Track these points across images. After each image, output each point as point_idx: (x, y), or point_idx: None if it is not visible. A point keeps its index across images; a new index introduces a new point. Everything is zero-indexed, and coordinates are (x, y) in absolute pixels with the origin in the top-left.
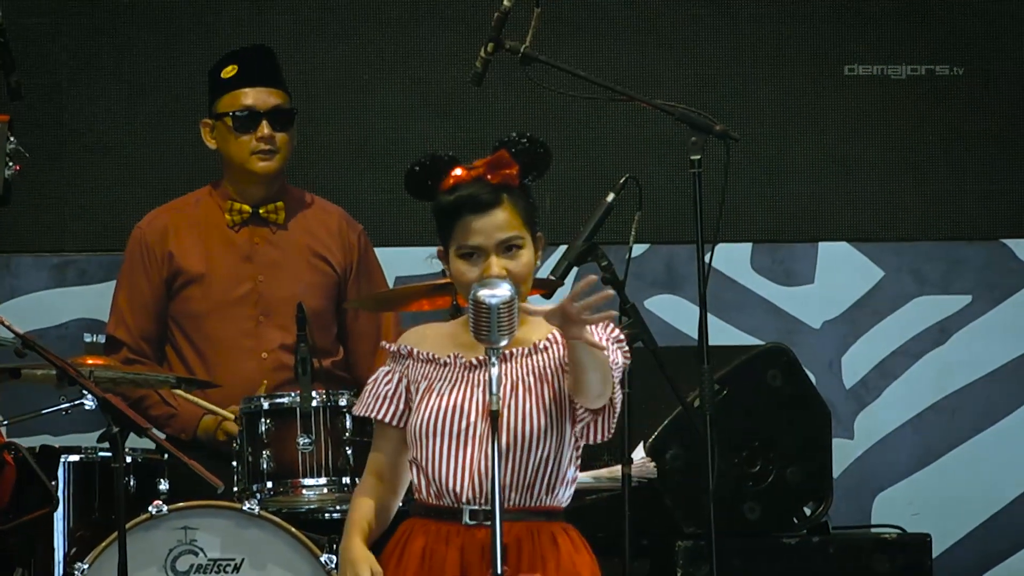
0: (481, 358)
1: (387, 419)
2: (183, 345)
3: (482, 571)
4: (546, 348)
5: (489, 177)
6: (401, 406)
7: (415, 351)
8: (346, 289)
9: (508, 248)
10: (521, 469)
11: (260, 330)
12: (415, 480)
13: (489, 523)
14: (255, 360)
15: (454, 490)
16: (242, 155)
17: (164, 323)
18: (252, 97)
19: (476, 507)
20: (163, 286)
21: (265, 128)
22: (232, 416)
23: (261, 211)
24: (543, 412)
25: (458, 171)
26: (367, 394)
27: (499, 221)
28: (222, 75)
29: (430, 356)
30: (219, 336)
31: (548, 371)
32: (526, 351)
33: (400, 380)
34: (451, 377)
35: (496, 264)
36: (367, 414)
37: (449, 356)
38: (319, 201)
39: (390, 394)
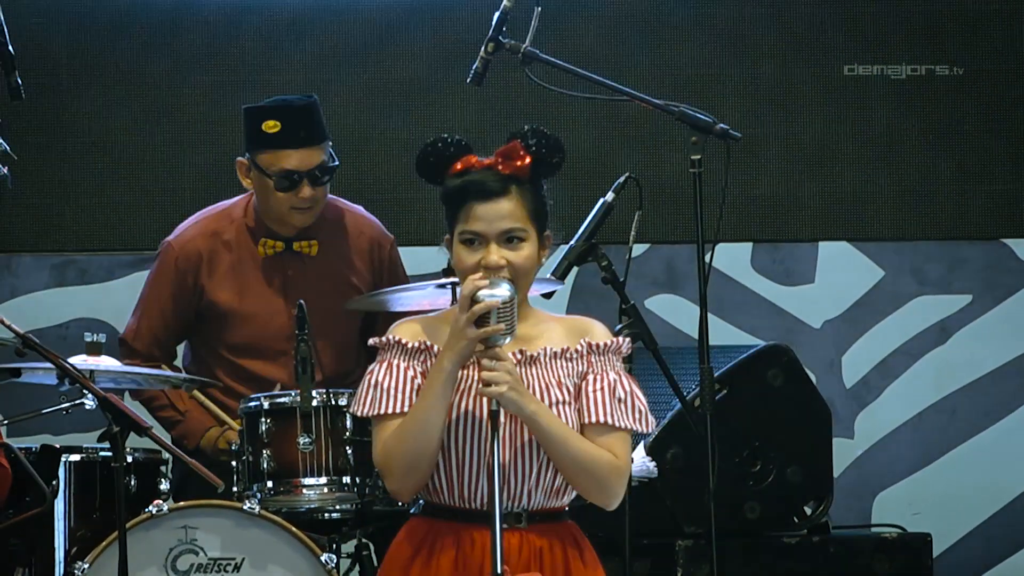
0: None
1: None
2: (213, 363)
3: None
4: (571, 358)
5: (500, 167)
6: None
7: (433, 347)
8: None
9: (510, 239)
10: (549, 469)
11: (292, 364)
12: (434, 481)
13: (523, 526)
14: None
15: (486, 493)
16: (280, 209)
17: (181, 335)
18: (296, 159)
19: (507, 510)
20: (190, 309)
21: (306, 190)
22: (238, 427)
23: (295, 246)
24: (572, 408)
25: (470, 158)
26: (395, 391)
27: (504, 210)
28: (264, 128)
29: None
30: (253, 370)
31: (574, 373)
32: (552, 351)
33: (422, 375)
34: (471, 377)
35: (496, 252)
36: (404, 410)
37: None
38: (351, 217)
39: (419, 387)
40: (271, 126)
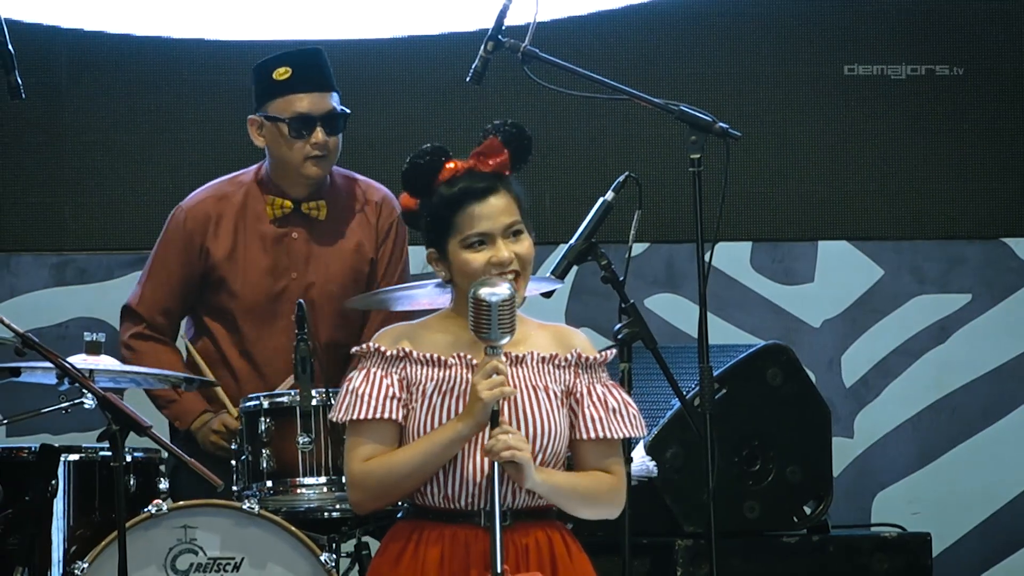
0: None
1: (399, 419)
2: (223, 325)
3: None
4: (560, 365)
5: (483, 166)
6: (405, 406)
7: (413, 353)
8: (377, 280)
9: (514, 233)
10: None
11: (290, 328)
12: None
13: (508, 524)
14: (288, 355)
15: (472, 493)
16: (296, 160)
17: (187, 304)
18: (308, 103)
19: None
20: (196, 275)
21: (320, 134)
22: (235, 413)
23: (303, 207)
24: (559, 413)
25: (452, 164)
26: (370, 397)
27: (501, 206)
28: (275, 76)
29: (432, 358)
30: (254, 334)
31: (562, 381)
32: (540, 356)
33: (399, 381)
34: (460, 378)
35: (504, 248)
36: (377, 416)
37: (453, 357)
38: (362, 186)
39: (395, 395)
40: (282, 73)
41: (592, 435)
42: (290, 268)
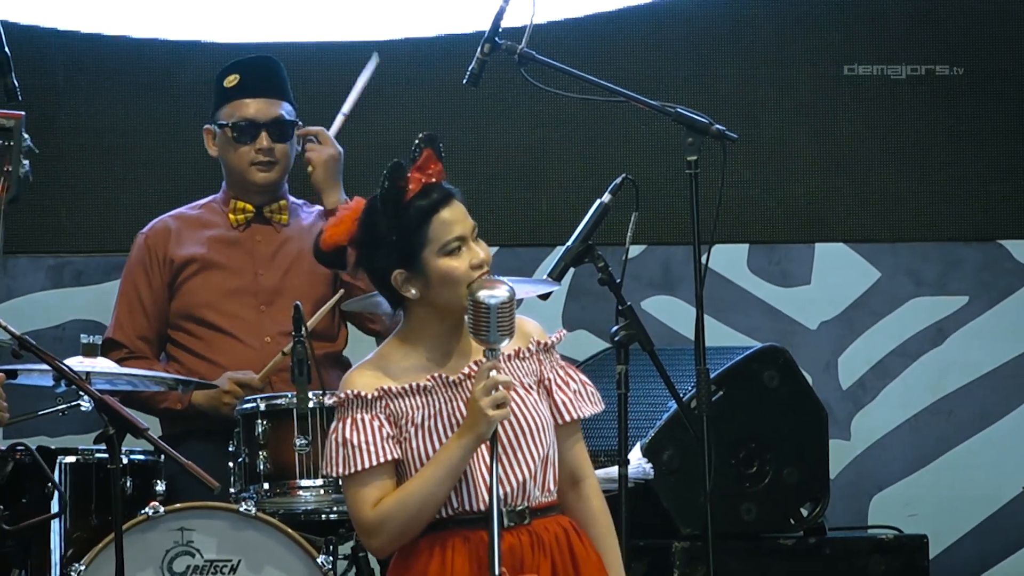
0: (465, 372)
1: (399, 456)
2: (187, 340)
3: (532, 569)
4: (524, 357)
5: (428, 178)
6: (399, 443)
7: (392, 388)
8: (350, 285)
9: (477, 236)
10: (539, 464)
11: (262, 318)
12: None
13: (527, 522)
14: (258, 343)
15: (483, 497)
16: (241, 165)
17: (164, 325)
18: (253, 108)
19: (511, 508)
20: (164, 288)
21: (264, 140)
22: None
23: (265, 211)
24: (541, 404)
25: (414, 175)
26: (366, 444)
27: (463, 209)
28: (224, 84)
29: (412, 387)
30: (221, 324)
31: (531, 373)
32: (507, 354)
33: (388, 419)
34: (446, 396)
35: (481, 249)
36: (380, 461)
37: (429, 379)
38: (319, 211)
39: (390, 434)
40: (231, 80)
41: (567, 418)
42: (256, 266)
